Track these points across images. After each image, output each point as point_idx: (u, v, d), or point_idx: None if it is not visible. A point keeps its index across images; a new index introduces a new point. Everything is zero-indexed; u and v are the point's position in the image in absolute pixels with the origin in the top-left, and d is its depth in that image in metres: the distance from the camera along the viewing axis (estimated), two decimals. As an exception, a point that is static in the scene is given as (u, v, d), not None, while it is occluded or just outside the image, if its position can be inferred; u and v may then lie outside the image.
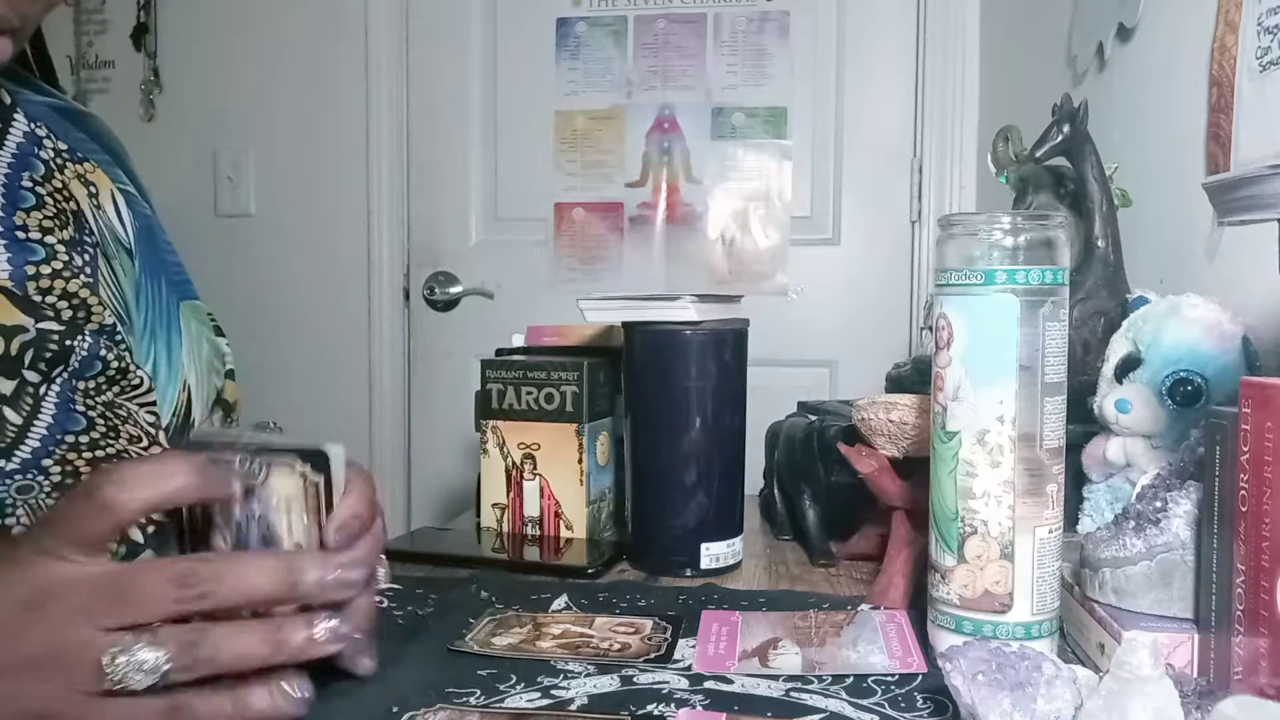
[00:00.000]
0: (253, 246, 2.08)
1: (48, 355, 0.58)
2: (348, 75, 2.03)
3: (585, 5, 1.97)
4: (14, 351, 0.57)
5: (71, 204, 0.65)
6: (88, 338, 0.61)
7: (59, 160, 0.66)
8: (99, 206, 0.68)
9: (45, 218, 0.63)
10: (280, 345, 2.04)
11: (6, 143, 0.63)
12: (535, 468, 0.87)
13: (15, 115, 0.65)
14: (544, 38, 1.98)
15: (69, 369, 0.60)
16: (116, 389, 0.63)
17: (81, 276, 0.63)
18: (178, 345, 0.72)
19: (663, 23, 1.95)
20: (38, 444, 0.57)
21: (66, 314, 0.61)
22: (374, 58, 2.02)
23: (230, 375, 0.81)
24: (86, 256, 0.65)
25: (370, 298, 2.06)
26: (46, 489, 0.57)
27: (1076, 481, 0.73)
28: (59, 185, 0.65)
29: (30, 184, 0.63)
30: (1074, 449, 0.70)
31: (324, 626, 0.45)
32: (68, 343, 0.59)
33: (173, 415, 0.70)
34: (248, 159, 2.08)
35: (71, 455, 0.58)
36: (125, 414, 0.63)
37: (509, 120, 2.01)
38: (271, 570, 0.44)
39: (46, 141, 0.66)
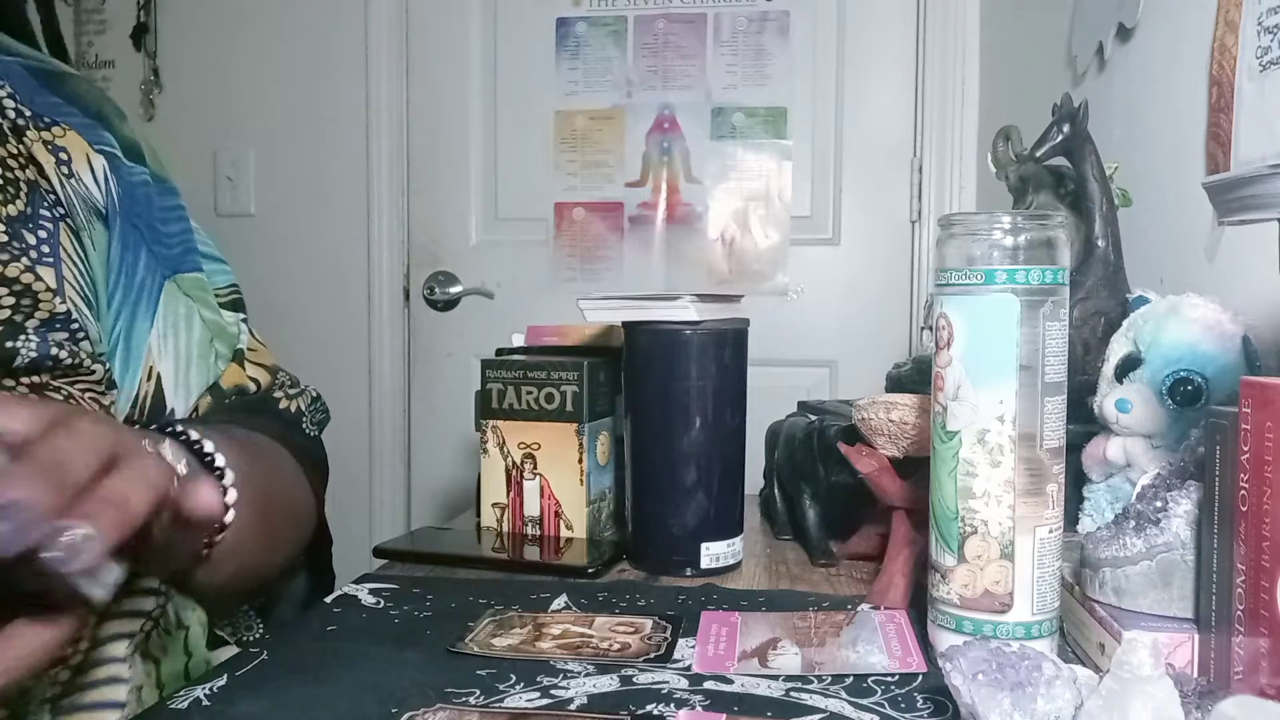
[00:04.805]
0: (253, 246, 2.07)
1: None
2: (348, 75, 2.03)
3: (585, 5, 1.97)
4: None
5: (29, 172, 0.58)
6: (32, 336, 0.54)
7: (20, 123, 0.59)
8: (70, 174, 0.61)
9: None
10: (280, 345, 2.01)
11: None
12: (535, 467, 0.87)
13: None
14: (544, 38, 1.98)
15: (9, 371, 0.53)
16: (64, 380, 0.56)
17: (25, 259, 0.55)
18: (145, 326, 0.65)
19: (663, 23, 1.95)
20: None
21: (8, 302, 0.54)
22: (374, 58, 2.02)
23: (238, 356, 0.73)
24: (42, 234, 0.57)
25: (370, 297, 2.06)
26: None
27: (1076, 481, 0.73)
28: (14, 151, 0.58)
29: None
30: (1074, 449, 0.70)
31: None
32: (9, 344, 0.53)
33: (133, 406, 0.63)
34: (248, 159, 2.08)
35: None
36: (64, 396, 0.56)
37: (509, 120, 2.01)
38: None
39: (8, 103, 0.59)
